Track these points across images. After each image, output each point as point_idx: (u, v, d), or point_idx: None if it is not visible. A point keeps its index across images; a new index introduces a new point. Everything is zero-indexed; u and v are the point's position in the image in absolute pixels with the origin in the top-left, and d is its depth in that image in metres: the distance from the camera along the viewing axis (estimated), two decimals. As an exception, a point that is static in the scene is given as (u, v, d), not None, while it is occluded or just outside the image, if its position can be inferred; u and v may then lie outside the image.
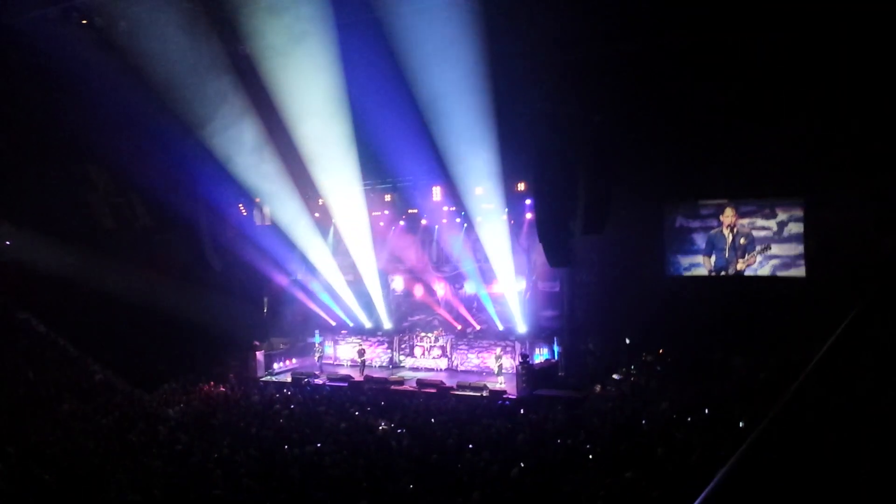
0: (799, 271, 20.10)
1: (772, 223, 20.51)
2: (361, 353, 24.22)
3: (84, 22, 17.33)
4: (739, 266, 20.86)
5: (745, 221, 20.84)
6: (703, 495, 4.12)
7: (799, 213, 20.18)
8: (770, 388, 13.26)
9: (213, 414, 17.52)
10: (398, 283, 26.30)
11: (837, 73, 16.60)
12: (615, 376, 19.30)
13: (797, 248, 20.18)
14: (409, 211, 24.96)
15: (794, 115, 18.02)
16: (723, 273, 21.09)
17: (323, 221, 25.82)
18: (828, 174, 18.45)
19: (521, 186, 22.30)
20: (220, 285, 25.12)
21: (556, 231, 19.34)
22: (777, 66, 17.13)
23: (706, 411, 13.85)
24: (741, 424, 10.68)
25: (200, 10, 17.32)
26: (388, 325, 25.79)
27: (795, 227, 20.19)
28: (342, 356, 25.68)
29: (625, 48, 18.02)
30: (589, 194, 19.09)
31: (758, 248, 20.55)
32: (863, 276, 16.52)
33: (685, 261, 21.67)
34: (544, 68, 18.75)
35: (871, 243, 17.87)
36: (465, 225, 24.22)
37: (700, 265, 21.46)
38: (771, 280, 20.36)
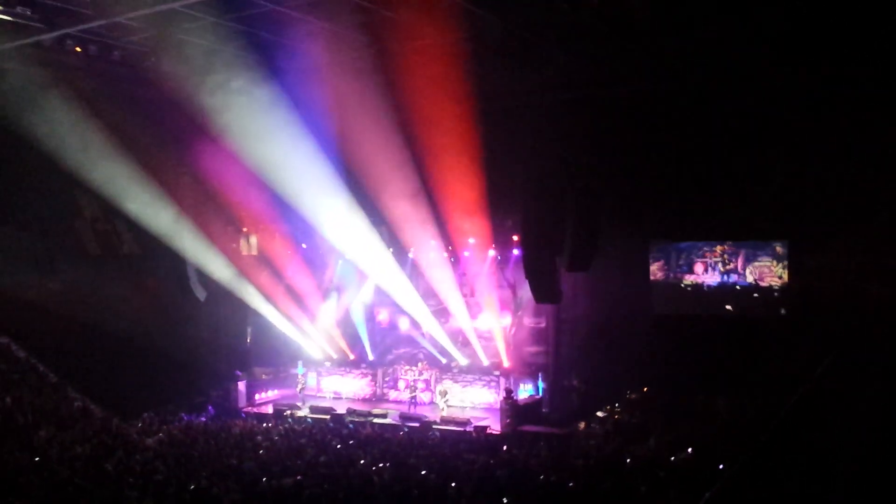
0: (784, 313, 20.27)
1: (773, 263, 20.74)
2: (413, 388, 23.50)
3: (78, 49, 17.46)
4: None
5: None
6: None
7: (784, 256, 20.41)
8: (753, 430, 13.29)
9: (192, 444, 17.30)
10: (383, 315, 26.23)
11: (828, 118, 16.92)
12: (599, 413, 19.27)
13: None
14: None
15: (781, 159, 18.33)
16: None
17: (311, 252, 25.91)
18: (814, 218, 18.72)
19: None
20: (203, 315, 24.95)
21: (542, 267, 19.43)
22: (766, 111, 17.46)
23: (689, 451, 13.85)
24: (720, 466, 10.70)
25: (196, 43, 17.47)
26: (371, 357, 25.67)
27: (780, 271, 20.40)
28: (325, 388, 25.47)
29: (616, 90, 18.35)
30: (576, 231, 19.23)
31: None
32: (846, 321, 16.71)
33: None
34: (535, 107, 19.03)
35: (855, 289, 18.08)
36: (452, 259, 24.29)
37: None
38: (755, 322, 20.47)
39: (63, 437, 17.66)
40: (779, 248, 20.54)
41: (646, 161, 19.66)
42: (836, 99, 16.39)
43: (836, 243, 18.48)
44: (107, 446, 17.02)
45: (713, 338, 20.20)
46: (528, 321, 23.34)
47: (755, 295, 20.74)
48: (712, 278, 21.33)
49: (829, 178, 17.71)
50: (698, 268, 21.53)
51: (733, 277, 21.09)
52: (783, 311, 20.21)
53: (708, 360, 19.20)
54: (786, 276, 20.38)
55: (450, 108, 18.26)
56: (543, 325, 22.94)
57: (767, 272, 20.65)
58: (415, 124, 19.18)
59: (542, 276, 19.28)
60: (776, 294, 20.49)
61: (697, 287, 21.50)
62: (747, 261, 20.94)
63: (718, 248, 21.28)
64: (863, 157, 17.04)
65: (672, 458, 13.99)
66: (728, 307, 21.04)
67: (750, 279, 20.83)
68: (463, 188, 20.65)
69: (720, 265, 21.25)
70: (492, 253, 23.55)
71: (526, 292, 21.21)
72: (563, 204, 19.20)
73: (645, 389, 19.92)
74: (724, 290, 21.17)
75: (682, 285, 21.69)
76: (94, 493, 13.03)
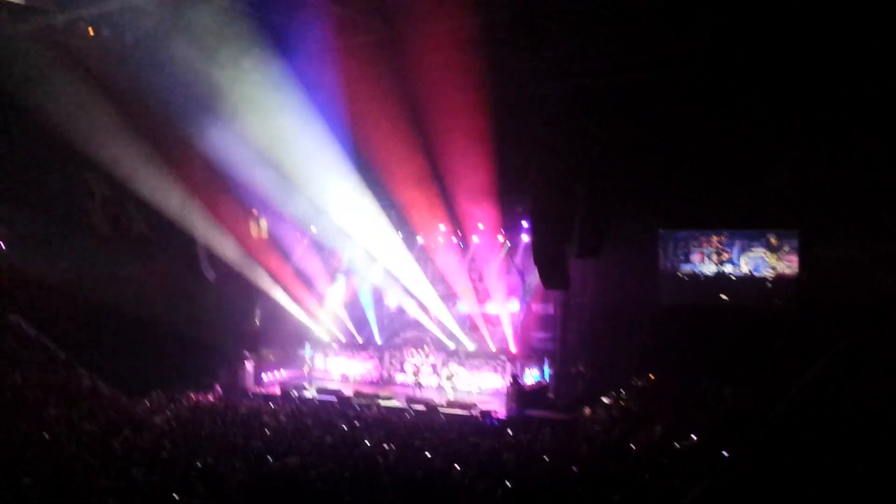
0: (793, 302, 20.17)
1: (767, 254, 20.64)
2: (416, 373, 23.49)
3: (90, 32, 17.49)
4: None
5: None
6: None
7: (794, 244, 20.29)
8: (758, 419, 13.28)
9: (199, 423, 17.43)
10: (391, 298, 26.30)
11: (838, 106, 16.75)
12: (605, 400, 19.29)
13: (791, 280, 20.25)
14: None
15: (792, 148, 18.16)
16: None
17: (320, 235, 25.99)
18: (825, 207, 18.57)
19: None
20: (212, 296, 25.07)
21: (551, 253, 19.42)
22: (777, 99, 17.29)
23: (694, 438, 13.84)
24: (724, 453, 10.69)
25: (209, 26, 17.44)
26: (379, 340, 25.78)
27: (790, 259, 20.30)
28: (332, 369, 25.60)
29: (625, 78, 18.21)
30: (585, 217, 19.18)
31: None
32: (855, 310, 16.60)
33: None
34: (545, 94, 18.94)
35: (866, 278, 17.97)
36: (461, 244, 24.30)
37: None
38: (764, 311, 20.39)
39: (71, 415, 17.82)
40: (773, 240, 20.45)
41: (657, 148, 19.52)
42: (845, 90, 16.21)
43: (847, 232, 18.34)
44: (114, 424, 17.14)
45: (719, 326, 20.15)
46: (536, 307, 23.40)
47: (760, 285, 20.67)
48: (709, 268, 21.30)
49: (839, 166, 17.54)
50: (695, 257, 21.47)
51: (728, 267, 21.06)
52: (777, 301, 20.18)
53: (714, 349, 19.14)
54: (780, 267, 20.33)
55: (460, 94, 18.21)
56: (551, 311, 22.98)
57: (761, 262, 20.61)
58: (425, 109, 19.13)
59: (551, 262, 19.29)
60: (769, 285, 20.47)
61: (694, 276, 21.46)
62: (742, 251, 20.90)
63: (714, 238, 21.22)
64: (871, 147, 16.86)
65: (677, 445, 13.98)
66: (723, 297, 21.01)
67: (745, 269, 20.81)
68: (473, 173, 20.63)
69: (715, 255, 21.20)
70: (501, 238, 23.56)
71: (534, 278, 21.27)
72: (572, 191, 19.16)
73: (651, 377, 19.90)
74: (720, 280, 21.13)
75: (679, 274, 21.65)
76: (102, 470, 13.14)
